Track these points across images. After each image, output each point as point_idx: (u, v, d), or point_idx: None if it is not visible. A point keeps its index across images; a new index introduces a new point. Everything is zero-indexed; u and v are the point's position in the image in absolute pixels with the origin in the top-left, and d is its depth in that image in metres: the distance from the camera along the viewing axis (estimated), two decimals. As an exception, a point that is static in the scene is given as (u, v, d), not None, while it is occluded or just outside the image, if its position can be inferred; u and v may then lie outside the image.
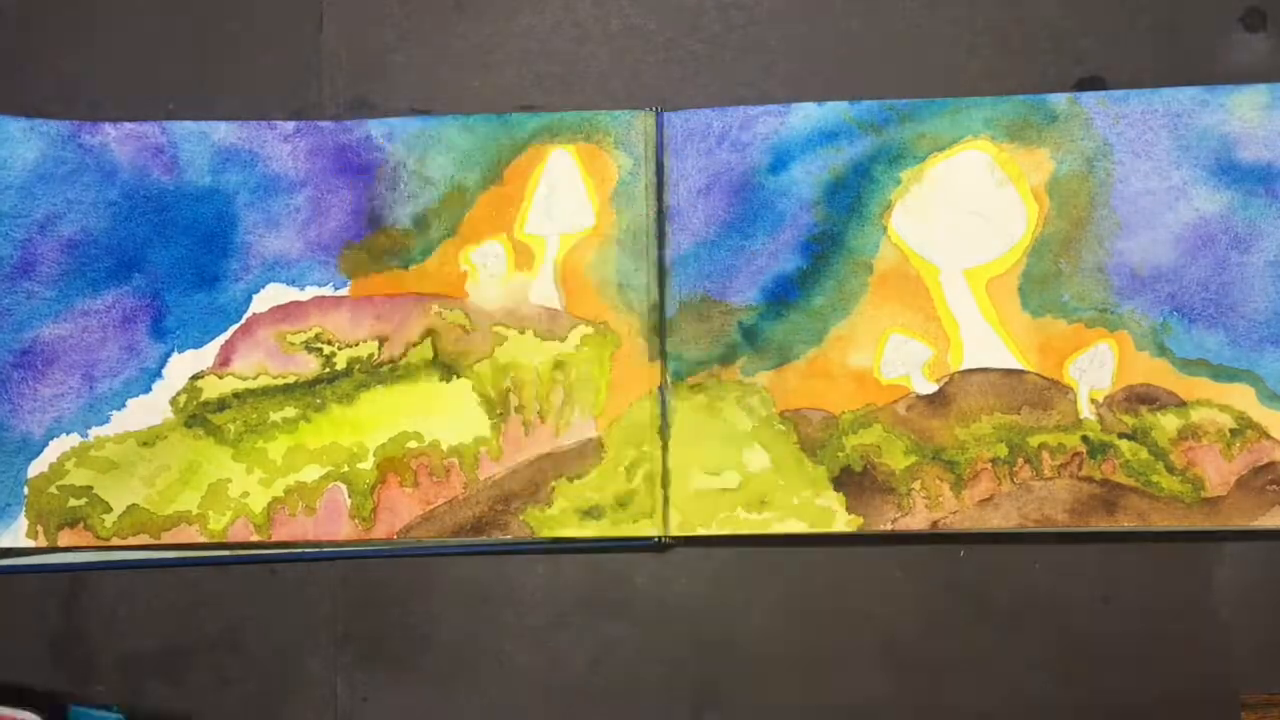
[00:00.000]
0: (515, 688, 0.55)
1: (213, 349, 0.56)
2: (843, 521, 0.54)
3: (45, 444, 0.55)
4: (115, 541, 0.54)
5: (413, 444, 0.55)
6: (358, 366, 0.56)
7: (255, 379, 0.56)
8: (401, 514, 0.54)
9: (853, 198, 0.57)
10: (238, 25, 0.60)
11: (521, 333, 0.56)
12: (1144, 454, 0.54)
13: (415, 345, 0.56)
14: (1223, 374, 0.54)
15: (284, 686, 0.55)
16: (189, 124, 0.58)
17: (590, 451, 0.55)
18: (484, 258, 0.57)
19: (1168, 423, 0.54)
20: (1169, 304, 0.55)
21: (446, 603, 0.55)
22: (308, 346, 0.56)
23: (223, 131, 0.58)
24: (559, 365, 0.56)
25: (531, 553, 0.56)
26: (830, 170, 0.57)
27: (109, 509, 0.55)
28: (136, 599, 0.56)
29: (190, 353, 0.56)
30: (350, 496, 0.55)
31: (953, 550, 0.55)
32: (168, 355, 0.56)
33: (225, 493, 0.55)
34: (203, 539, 0.54)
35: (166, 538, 0.54)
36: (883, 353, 0.56)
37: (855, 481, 0.54)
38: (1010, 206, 0.56)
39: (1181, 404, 0.54)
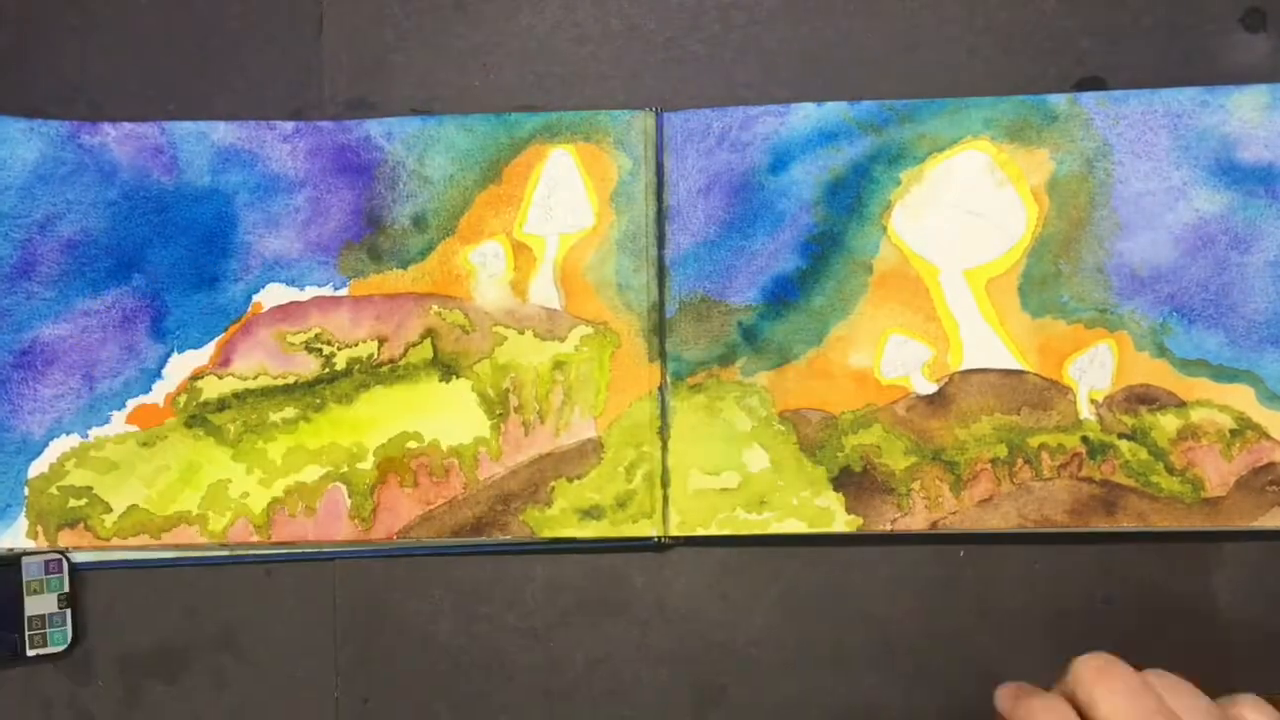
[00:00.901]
0: (515, 688, 0.55)
1: (212, 349, 0.56)
2: (842, 522, 0.54)
3: (45, 444, 0.55)
4: (115, 542, 0.54)
5: (412, 444, 0.55)
6: (357, 367, 0.56)
7: (255, 379, 0.56)
8: (401, 514, 0.54)
9: (853, 198, 0.57)
10: (238, 25, 0.60)
11: (521, 333, 0.56)
12: (1144, 454, 0.54)
13: (415, 345, 0.56)
14: (1222, 374, 0.54)
15: (284, 687, 0.55)
16: (188, 124, 0.58)
17: (590, 451, 0.55)
18: (483, 258, 0.57)
19: (1167, 423, 0.54)
20: (1169, 304, 0.55)
21: (446, 603, 0.55)
22: (308, 347, 0.56)
23: (222, 131, 0.58)
24: (559, 365, 0.56)
25: (531, 553, 0.56)
26: (830, 170, 0.57)
27: (109, 509, 0.55)
28: (136, 599, 0.56)
29: (190, 353, 0.56)
30: (350, 497, 0.55)
31: (953, 550, 0.55)
32: (167, 355, 0.56)
33: (225, 493, 0.55)
34: (203, 539, 0.54)
35: (166, 538, 0.54)
36: (882, 353, 0.56)
37: (855, 482, 0.54)
38: (1010, 207, 0.56)
39: (1181, 404, 0.54)
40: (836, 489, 0.54)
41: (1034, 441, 0.54)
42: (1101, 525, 0.53)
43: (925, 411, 0.55)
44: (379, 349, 0.56)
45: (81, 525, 0.54)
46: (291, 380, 0.56)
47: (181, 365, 0.56)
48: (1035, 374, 0.55)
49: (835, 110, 0.57)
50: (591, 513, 0.55)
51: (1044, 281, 0.56)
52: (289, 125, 0.58)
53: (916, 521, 0.54)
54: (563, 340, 0.56)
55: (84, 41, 0.60)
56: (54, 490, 0.55)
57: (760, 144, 0.57)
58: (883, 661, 0.55)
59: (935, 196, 0.56)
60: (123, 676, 0.55)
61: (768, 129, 0.57)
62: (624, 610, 0.55)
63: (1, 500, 0.55)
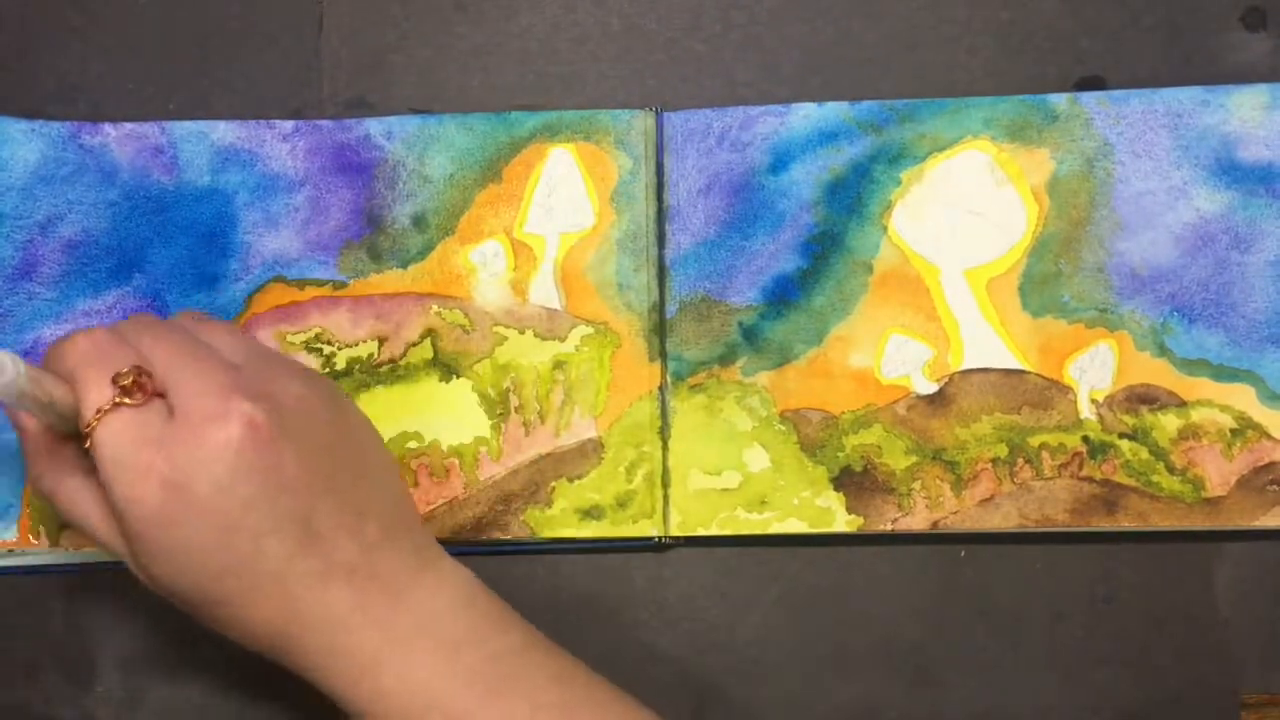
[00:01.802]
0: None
1: (212, 349, 0.56)
2: (843, 521, 0.54)
3: (45, 444, 0.55)
4: (115, 542, 0.54)
5: (413, 444, 0.55)
6: (357, 367, 0.56)
7: (255, 379, 0.56)
8: (401, 514, 0.54)
9: (853, 198, 0.57)
10: (238, 25, 0.60)
11: (521, 333, 0.56)
12: (1144, 454, 0.54)
13: (415, 345, 0.56)
14: (1223, 374, 0.54)
15: (284, 687, 0.55)
16: (188, 124, 0.58)
17: (590, 451, 0.55)
18: (483, 257, 0.57)
19: (1168, 423, 0.54)
20: (1169, 304, 0.55)
21: (446, 603, 0.55)
22: (307, 347, 0.56)
23: (222, 131, 0.58)
24: (559, 365, 0.56)
25: (531, 553, 0.56)
26: (830, 170, 0.57)
27: (109, 509, 0.54)
28: (137, 600, 0.55)
29: (190, 353, 0.56)
30: (350, 497, 0.54)
31: (953, 550, 0.55)
32: (167, 355, 0.56)
33: (225, 493, 0.55)
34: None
35: (166, 538, 0.54)
36: (883, 353, 0.56)
37: (855, 481, 0.54)
38: (1010, 206, 0.56)
39: (1182, 404, 0.54)
40: (837, 489, 0.54)
41: (1035, 441, 0.54)
42: (1102, 525, 0.53)
43: (926, 411, 0.55)
44: (379, 349, 0.56)
45: (82, 525, 0.54)
46: (291, 380, 0.56)
47: (181, 365, 0.56)
48: (1036, 374, 0.55)
49: (835, 110, 0.57)
50: (592, 513, 0.55)
51: (1044, 281, 0.56)
52: (288, 125, 0.58)
53: (917, 521, 0.54)
54: (563, 340, 0.56)
55: (84, 41, 0.60)
56: (54, 490, 0.55)
57: (760, 144, 0.57)
58: (883, 661, 0.54)
59: (936, 196, 0.56)
60: (123, 677, 0.55)
61: (768, 129, 0.57)
62: (624, 610, 0.55)
63: (2, 500, 0.55)
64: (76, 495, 0.47)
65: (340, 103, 0.59)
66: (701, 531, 0.54)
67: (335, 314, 0.56)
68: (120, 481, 0.44)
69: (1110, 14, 0.58)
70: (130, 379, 0.45)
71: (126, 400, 0.44)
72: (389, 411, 0.55)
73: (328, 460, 0.46)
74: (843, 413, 0.55)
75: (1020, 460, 0.54)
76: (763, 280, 0.56)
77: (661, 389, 0.55)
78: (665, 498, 0.55)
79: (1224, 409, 0.54)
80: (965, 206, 0.56)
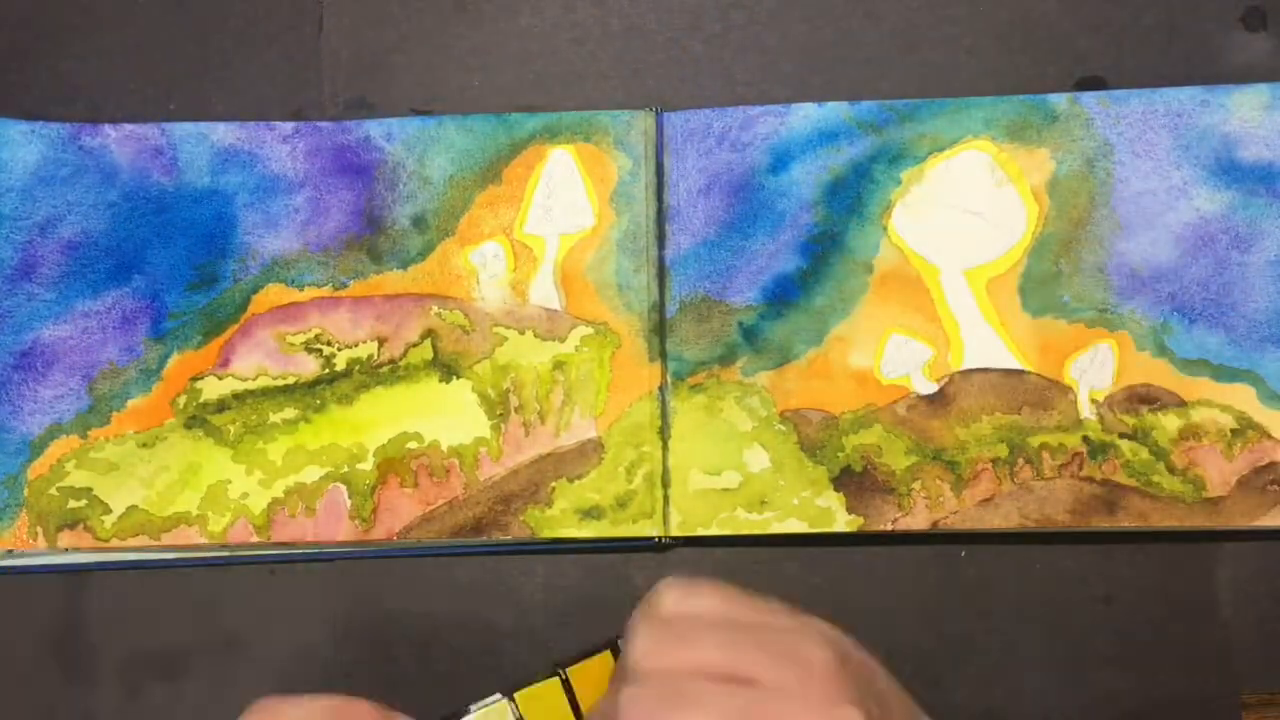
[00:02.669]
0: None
1: (212, 350, 0.56)
2: (843, 521, 0.54)
3: (45, 445, 0.55)
4: (115, 543, 0.54)
5: (413, 445, 0.55)
6: (357, 367, 0.56)
7: (255, 380, 0.56)
8: (401, 515, 0.54)
9: (853, 198, 0.57)
10: (238, 25, 0.60)
11: (521, 333, 0.56)
12: (1144, 454, 0.54)
13: (415, 346, 0.56)
14: (1223, 374, 0.54)
15: (284, 687, 0.55)
16: (188, 125, 0.58)
17: (590, 452, 0.55)
18: (483, 258, 0.57)
19: (1168, 423, 0.54)
20: (1169, 304, 0.55)
21: (446, 603, 0.55)
22: (307, 347, 0.56)
23: (221, 132, 0.58)
24: (559, 366, 0.56)
25: (531, 553, 0.56)
26: (830, 170, 0.57)
27: (108, 510, 0.55)
28: (137, 599, 0.55)
29: (190, 354, 0.56)
30: (350, 497, 0.55)
31: (953, 550, 0.55)
32: (167, 356, 0.56)
33: (225, 494, 0.55)
34: (202, 540, 0.54)
35: (166, 539, 0.54)
36: (883, 353, 0.56)
37: (855, 482, 0.54)
38: (1010, 206, 0.56)
39: (1182, 404, 0.54)
40: (837, 489, 0.54)
41: (1035, 441, 0.54)
42: (1102, 525, 0.53)
43: (926, 411, 0.55)
44: (379, 349, 0.56)
45: (81, 526, 0.54)
46: (291, 381, 0.56)
47: (181, 366, 0.56)
48: (1036, 374, 0.55)
49: (835, 110, 0.57)
50: (592, 513, 0.55)
51: (1044, 281, 0.55)
52: (288, 126, 0.58)
53: (917, 521, 0.54)
54: (563, 340, 0.56)
55: (84, 41, 0.60)
56: (53, 491, 0.55)
57: (760, 144, 0.57)
58: (883, 661, 0.54)
59: (936, 196, 0.56)
60: (124, 677, 0.55)
61: (768, 129, 0.57)
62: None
63: (1, 501, 0.55)
64: None
65: (340, 103, 0.59)
66: (701, 531, 0.54)
67: (335, 315, 0.56)
68: None
69: (1110, 14, 0.58)
70: None
71: None
72: (389, 412, 0.55)
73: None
74: (843, 413, 0.55)
75: (1020, 460, 0.54)
76: (763, 280, 0.56)
77: (661, 389, 0.55)
78: (665, 498, 0.55)
79: (1224, 409, 0.54)
80: (965, 206, 0.56)
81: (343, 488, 0.55)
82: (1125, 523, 0.53)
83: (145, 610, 0.56)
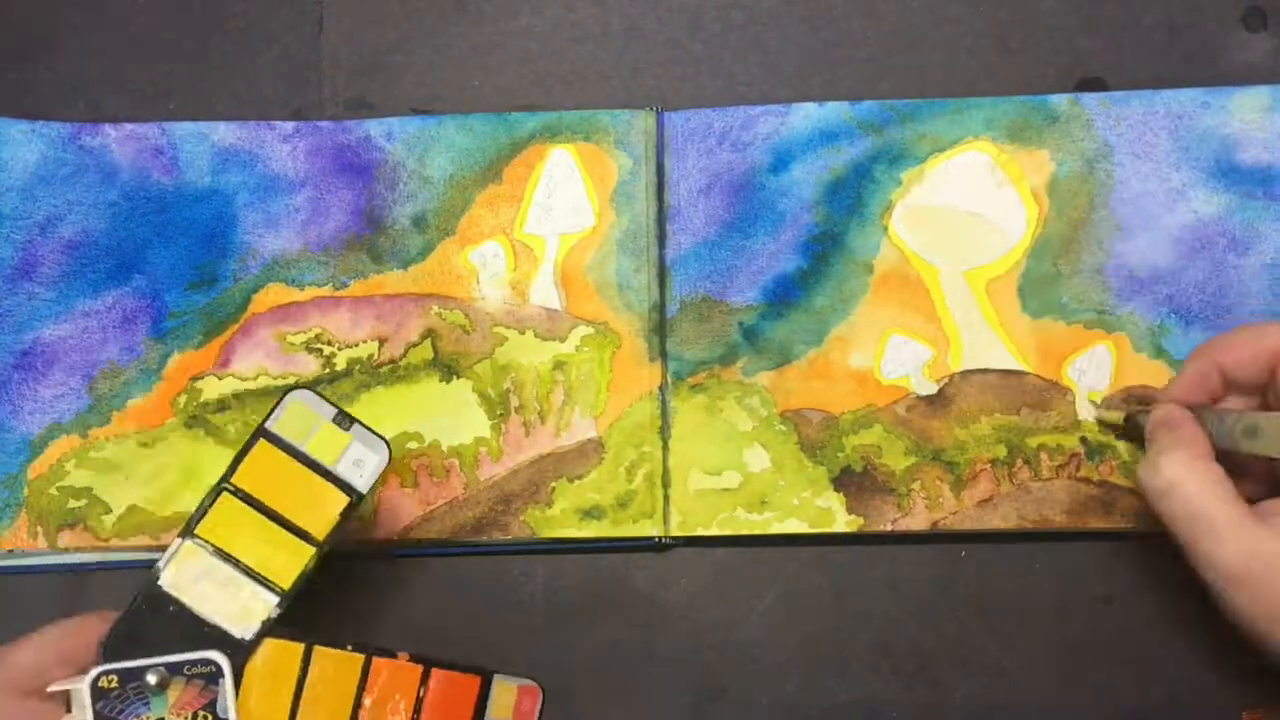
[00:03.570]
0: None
1: (212, 349, 0.56)
2: (843, 522, 0.54)
3: (45, 445, 0.55)
4: (115, 543, 0.54)
5: (413, 445, 0.55)
6: (357, 367, 0.56)
7: (255, 380, 0.56)
8: (402, 515, 0.54)
9: (853, 198, 0.57)
10: (238, 25, 0.60)
11: (521, 333, 0.56)
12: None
13: (415, 346, 0.56)
14: (1221, 375, 0.55)
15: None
16: (188, 124, 0.58)
17: (590, 452, 0.55)
18: (483, 258, 0.57)
19: (1167, 423, 0.54)
20: (1167, 305, 0.55)
21: (446, 603, 0.55)
22: (308, 347, 0.56)
23: (222, 132, 0.58)
24: (559, 365, 0.56)
25: (531, 553, 0.56)
26: (831, 170, 0.57)
27: (108, 510, 0.54)
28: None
29: (190, 353, 0.56)
30: (350, 497, 0.54)
31: (953, 550, 0.55)
32: (167, 356, 0.56)
33: (225, 494, 0.55)
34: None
35: (166, 539, 0.54)
36: (883, 353, 0.56)
37: (855, 482, 0.54)
38: (1010, 207, 0.56)
39: (1180, 405, 0.54)
40: (837, 489, 0.54)
41: (1033, 442, 0.54)
42: (1099, 525, 0.54)
43: (925, 412, 0.55)
44: (379, 349, 0.56)
45: (81, 526, 0.54)
46: (292, 381, 0.56)
47: (181, 366, 0.56)
48: (1035, 375, 0.55)
49: (836, 110, 0.57)
50: (592, 513, 0.55)
51: (1044, 282, 0.56)
52: (289, 125, 0.58)
53: (917, 521, 0.54)
54: (563, 340, 0.56)
55: (84, 41, 0.60)
56: (53, 491, 0.55)
57: (761, 144, 0.57)
58: (883, 661, 0.55)
59: (936, 197, 0.56)
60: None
61: (768, 129, 0.57)
62: (624, 610, 0.55)
63: (1, 501, 0.55)
64: (1217, 480, 0.46)
65: (340, 103, 0.59)
66: (701, 531, 0.54)
67: (335, 314, 0.56)
68: None
69: (1110, 14, 0.58)
70: None
71: None
72: (389, 412, 0.55)
73: None
74: (843, 413, 0.55)
75: (1019, 461, 0.54)
76: (763, 280, 0.56)
77: (662, 389, 0.55)
78: (665, 498, 0.55)
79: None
80: (966, 207, 0.56)
81: (343, 488, 0.55)
82: (1122, 523, 0.53)
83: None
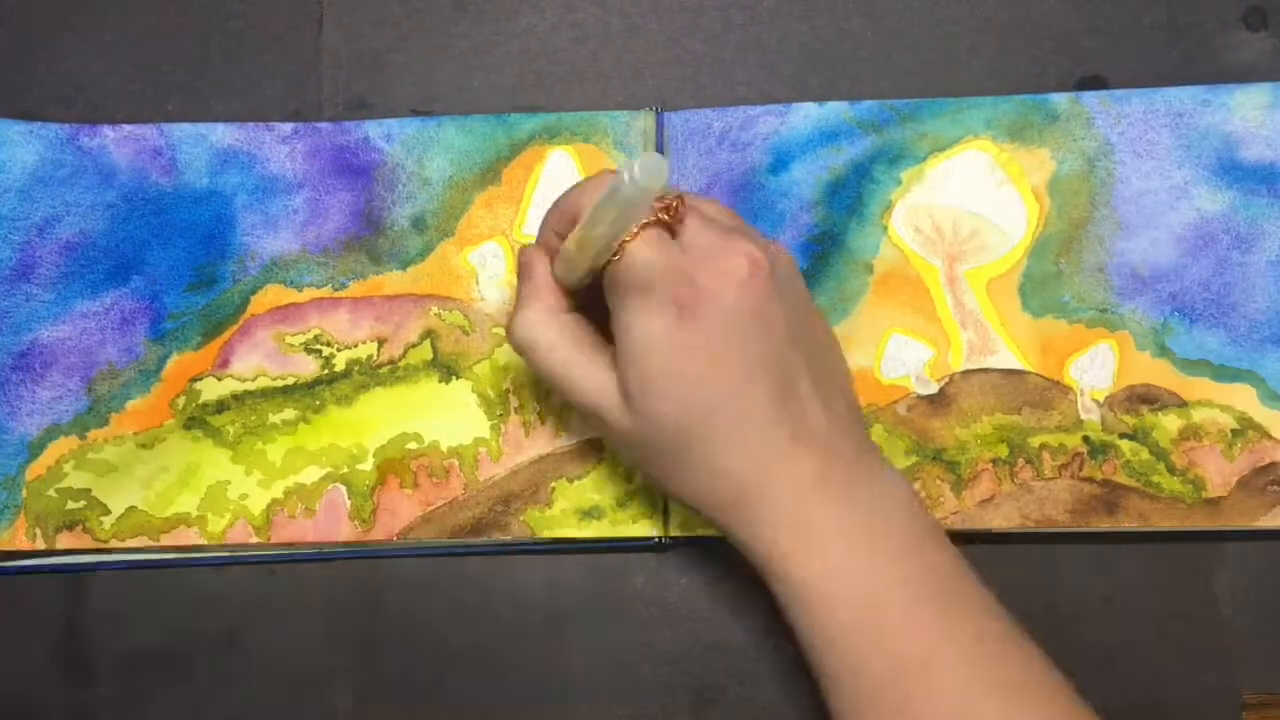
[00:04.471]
0: (515, 688, 0.55)
1: (211, 351, 0.56)
2: (843, 522, 0.54)
3: (43, 447, 0.55)
4: (114, 544, 0.54)
5: (412, 445, 0.55)
6: (357, 368, 0.56)
7: (254, 381, 0.56)
8: (401, 515, 0.54)
9: (853, 198, 0.56)
10: (238, 25, 0.60)
11: (521, 333, 0.56)
12: (1145, 454, 0.54)
13: (414, 346, 0.56)
14: (1224, 374, 0.54)
15: (284, 687, 0.55)
16: (187, 126, 0.58)
17: (590, 452, 0.55)
18: (483, 259, 0.57)
19: (1169, 423, 0.54)
20: (1170, 304, 0.55)
21: (446, 603, 0.55)
22: (307, 348, 0.56)
23: (220, 133, 0.58)
24: (559, 366, 0.56)
25: (531, 553, 0.56)
26: (830, 170, 0.57)
27: (107, 511, 0.55)
28: (137, 600, 0.55)
29: (189, 354, 0.56)
30: (350, 498, 0.55)
31: (953, 551, 0.55)
32: (166, 357, 0.56)
33: (224, 495, 0.55)
34: (202, 541, 0.54)
35: (165, 540, 0.54)
36: (883, 353, 0.55)
37: (855, 482, 0.54)
38: (1011, 207, 0.56)
39: (1182, 404, 0.54)
40: (837, 489, 0.54)
41: (1035, 441, 0.54)
42: (1102, 525, 0.53)
43: (926, 411, 0.55)
44: (378, 350, 0.56)
45: (80, 527, 0.54)
46: (290, 381, 0.56)
47: (180, 367, 0.56)
48: (1036, 374, 0.55)
49: (836, 110, 0.57)
50: (592, 513, 0.54)
51: (1045, 281, 0.55)
52: (287, 127, 0.58)
53: (917, 522, 0.54)
54: (563, 341, 0.56)
55: (84, 41, 0.60)
56: (52, 492, 0.55)
57: (761, 144, 0.57)
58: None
59: (936, 196, 0.56)
60: (124, 677, 0.55)
61: (768, 129, 0.57)
62: (624, 610, 0.55)
63: (1, 500, 0.55)
64: (566, 330, 0.47)
65: (340, 103, 0.59)
66: (702, 532, 0.54)
67: (334, 315, 0.56)
68: (640, 298, 0.44)
69: (1111, 14, 0.58)
70: (673, 203, 0.45)
71: (665, 217, 0.44)
72: (388, 413, 0.55)
73: (805, 325, 0.47)
74: (843, 413, 0.55)
75: (1021, 460, 0.54)
76: (763, 280, 0.56)
77: (661, 390, 0.55)
78: (665, 498, 0.54)
79: (1225, 409, 0.54)
80: (966, 207, 0.56)
81: (342, 488, 0.55)
82: (1125, 523, 0.53)
83: (146, 611, 0.55)
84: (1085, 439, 0.54)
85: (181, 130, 0.58)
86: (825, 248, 0.56)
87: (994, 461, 0.54)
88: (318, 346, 0.56)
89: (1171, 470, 0.54)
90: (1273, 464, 0.54)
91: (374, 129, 0.58)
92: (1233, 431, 0.54)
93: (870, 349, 0.55)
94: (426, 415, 0.55)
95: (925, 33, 0.58)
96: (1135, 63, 0.58)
